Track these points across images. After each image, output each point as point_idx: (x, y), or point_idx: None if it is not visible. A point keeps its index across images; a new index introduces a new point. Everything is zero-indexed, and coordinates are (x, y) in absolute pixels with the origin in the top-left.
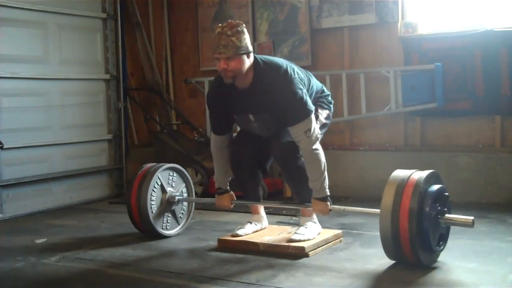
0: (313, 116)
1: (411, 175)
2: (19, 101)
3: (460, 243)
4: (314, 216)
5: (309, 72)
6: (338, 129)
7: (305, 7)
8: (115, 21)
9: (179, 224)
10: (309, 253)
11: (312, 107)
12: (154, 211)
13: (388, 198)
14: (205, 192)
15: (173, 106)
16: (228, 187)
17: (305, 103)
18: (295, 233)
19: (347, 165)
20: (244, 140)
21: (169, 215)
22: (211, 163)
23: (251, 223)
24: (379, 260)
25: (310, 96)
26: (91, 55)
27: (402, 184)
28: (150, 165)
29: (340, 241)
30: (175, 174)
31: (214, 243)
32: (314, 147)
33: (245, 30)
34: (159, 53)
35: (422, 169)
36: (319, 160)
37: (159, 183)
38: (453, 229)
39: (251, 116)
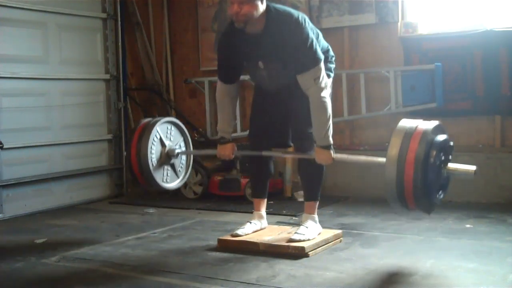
0: (322, 64)
1: (417, 125)
2: (19, 101)
3: (460, 243)
4: (315, 214)
5: (318, 29)
6: (338, 129)
7: (305, 7)
8: (115, 21)
9: (178, 177)
10: (309, 253)
11: (322, 56)
12: (154, 164)
13: (394, 148)
14: (205, 192)
15: (173, 106)
16: (231, 137)
17: (315, 51)
18: (295, 233)
19: (347, 165)
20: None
21: (169, 168)
22: (211, 163)
23: (250, 222)
24: (379, 260)
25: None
26: (91, 55)
27: (409, 134)
28: (148, 119)
29: (340, 241)
30: (173, 128)
31: (214, 243)
32: (322, 95)
33: None
34: (159, 53)
35: None
36: (325, 108)
37: (158, 137)
38: (453, 229)
39: (260, 63)
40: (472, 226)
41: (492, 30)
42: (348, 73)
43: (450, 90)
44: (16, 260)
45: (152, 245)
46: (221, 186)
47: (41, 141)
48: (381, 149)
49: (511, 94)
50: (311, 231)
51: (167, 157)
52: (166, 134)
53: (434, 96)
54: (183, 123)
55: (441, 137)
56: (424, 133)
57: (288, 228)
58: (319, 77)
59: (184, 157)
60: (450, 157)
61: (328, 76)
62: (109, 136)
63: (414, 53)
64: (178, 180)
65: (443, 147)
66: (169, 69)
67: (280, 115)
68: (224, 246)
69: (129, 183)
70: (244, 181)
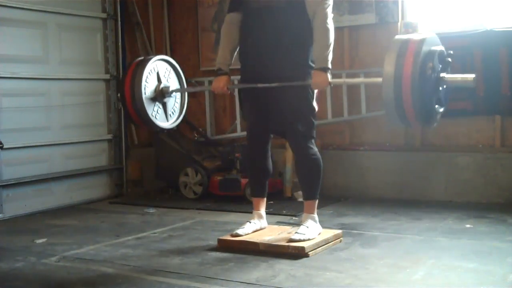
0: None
1: (412, 37)
2: (19, 101)
3: (460, 243)
4: (316, 215)
5: None
6: (338, 129)
7: None
8: (115, 21)
9: (167, 121)
10: (309, 253)
11: None
12: (146, 93)
13: (389, 65)
14: (205, 192)
15: None
16: (228, 70)
17: None
18: (295, 232)
19: (347, 165)
20: (255, 142)
21: (160, 106)
22: (211, 163)
23: (250, 222)
24: (379, 260)
25: None
26: (91, 55)
27: (404, 47)
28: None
29: (340, 241)
30: (171, 71)
31: (214, 243)
32: (327, 20)
33: None
34: (159, 53)
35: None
36: (328, 32)
37: (156, 70)
38: (453, 229)
39: None
40: (472, 226)
41: (492, 30)
42: (348, 73)
43: (450, 90)
44: (16, 260)
45: (152, 245)
46: (221, 186)
47: (41, 141)
48: (380, 149)
49: (511, 94)
50: (311, 231)
51: (161, 94)
52: (164, 73)
53: None
54: (183, 123)
55: (437, 48)
56: (419, 43)
57: (288, 228)
58: (327, 6)
59: (177, 103)
60: (448, 66)
61: None
62: (109, 136)
63: None
64: (167, 123)
65: (439, 58)
66: None
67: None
68: (224, 246)
69: (129, 183)
70: (244, 181)
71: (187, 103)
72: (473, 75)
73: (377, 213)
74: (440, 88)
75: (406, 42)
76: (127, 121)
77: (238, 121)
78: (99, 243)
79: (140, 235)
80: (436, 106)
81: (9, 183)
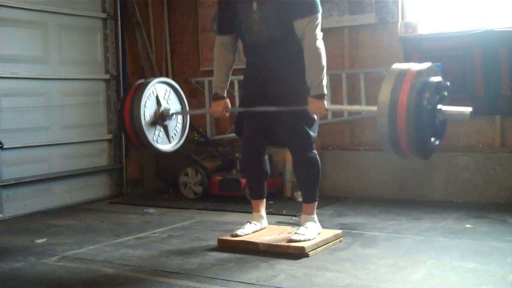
0: (320, 15)
1: (409, 68)
2: (19, 101)
3: (460, 243)
4: (315, 215)
5: None
6: (338, 129)
7: None
8: (115, 21)
9: (170, 143)
10: (309, 253)
11: (320, 7)
12: (146, 119)
13: (385, 93)
14: (205, 192)
15: None
16: (225, 94)
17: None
18: (295, 233)
19: (347, 165)
20: (252, 142)
21: (161, 130)
22: (211, 163)
23: (250, 223)
24: (379, 260)
25: None
26: (91, 55)
27: (400, 78)
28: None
29: (340, 241)
30: (171, 92)
31: (214, 243)
32: (317, 44)
33: None
34: (159, 53)
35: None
36: (320, 56)
37: (155, 94)
38: (453, 229)
39: (254, 5)
40: (472, 226)
41: (492, 30)
42: (348, 73)
43: (450, 90)
44: (16, 260)
45: (152, 245)
46: (221, 186)
47: (41, 141)
48: (380, 149)
49: (511, 94)
50: (311, 231)
51: (161, 117)
52: (163, 95)
53: None
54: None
55: (435, 79)
56: (416, 74)
57: (288, 228)
58: (316, 25)
59: (179, 124)
60: (444, 99)
61: None
62: (109, 136)
63: (414, 53)
64: (170, 145)
65: (437, 89)
66: (169, 69)
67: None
68: (224, 246)
69: (129, 183)
70: (244, 181)
71: (189, 121)
72: (470, 109)
73: (377, 213)
74: (437, 120)
75: (403, 72)
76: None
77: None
78: (99, 243)
79: (140, 235)
80: (432, 139)
81: (9, 183)
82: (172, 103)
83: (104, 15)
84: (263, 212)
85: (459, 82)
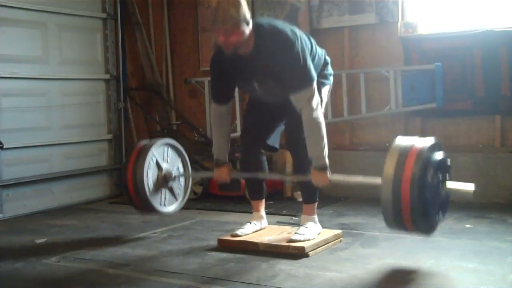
0: (315, 84)
1: (413, 144)
2: (19, 101)
3: (460, 243)
4: (315, 215)
5: (310, 37)
6: (338, 129)
7: (305, 7)
8: (115, 21)
9: (177, 200)
10: (309, 253)
11: (315, 75)
12: (150, 188)
13: (390, 167)
14: (205, 192)
15: (173, 106)
16: (227, 159)
17: (308, 71)
18: (295, 233)
19: (347, 165)
20: (250, 143)
21: (167, 192)
22: (211, 163)
23: (250, 223)
24: (379, 260)
25: (312, 61)
26: (91, 55)
27: (404, 154)
28: (143, 142)
29: (340, 241)
30: (169, 150)
31: (214, 243)
32: (315, 115)
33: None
34: (159, 53)
35: None
36: (319, 129)
37: (154, 160)
38: (453, 229)
39: (255, 84)
40: (472, 226)
41: (492, 30)
42: (348, 73)
43: (450, 90)
44: (16, 260)
45: (152, 245)
46: (221, 186)
47: (41, 141)
48: (380, 149)
49: (511, 94)
50: (311, 231)
51: (164, 181)
52: (162, 157)
53: (434, 96)
54: (183, 123)
55: (438, 155)
56: (420, 151)
57: (288, 228)
58: (312, 97)
59: (182, 179)
60: (448, 175)
61: (324, 84)
62: (109, 136)
63: (414, 53)
64: (177, 203)
65: (440, 166)
66: (169, 69)
67: (273, 118)
68: (224, 246)
69: None
70: (244, 181)
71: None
72: (473, 187)
73: (377, 213)
74: (440, 197)
75: (407, 147)
76: (127, 123)
77: (238, 121)
78: (99, 243)
79: (140, 235)
80: (436, 215)
81: (9, 183)
82: (172, 161)
83: (104, 15)
84: (263, 212)
85: (459, 82)
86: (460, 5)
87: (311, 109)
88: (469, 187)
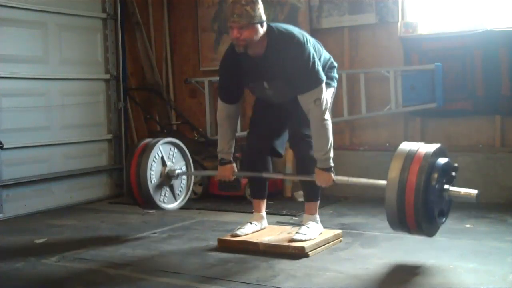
0: (323, 85)
1: (418, 148)
2: (19, 101)
3: (460, 243)
4: (317, 215)
5: (319, 42)
6: (338, 129)
7: (305, 7)
8: (115, 21)
9: (176, 200)
10: (309, 253)
11: (324, 77)
12: (152, 182)
13: (394, 171)
14: (205, 192)
15: (173, 106)
16: (231, 159)
17: (317, 72)
18: (296, 233)
19: (347, 165)
20: (256, 142)
21: (167, 189)
22: (211, 163)
23: (251, 223)
24: (379, 260)
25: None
26: (91, 55)
27: (409, 158)
28: (150, 139)
29: (340, 241)
30: (176, 150)
31: (214, 243)
32: (323, 116)
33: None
34: (159, 53)
35: None
36: (326, 130)
37: (160, 155)
38: (453, 229)
39: (265, 84)
40: (472, 226)
41: (492, 30)
42: (348, 73)
43: (450, 90)
44: (16, 260)
45: (152, 245)
46: (221, 186)
47: (41, 141)
48: (380, 149)
49: (511, 94)
50: (312, 231)
51: (166, 178)
52: (168, 155)
53: (434, 96)
54: (183, 123)
55: (443, 160)
56: (425, 156)
57: (288, 228)
58: (320, 98)
59: (184, 180)
60: (452, 180)
61: (329, 85)
62: (109, 136)
63: (414, 53)
64: (176, 203)
65: (445, 170)
66: (169, 69)
67: (279, 121)
68: (224, 246)
69: None
70: (244, 181)
71: (192, 162)
72: (476, 191)
73: (377, 213)
74: (443, 200)
75: (413, 151)
76: (127, 122)
77: (238, 120)
78: (99, 243)
79: (140, 235)
80: (438, 218)
81: (9, 183)
82: (176, 161)
83: (104, 15)
84: (263, 212)
85: (459, 82)
86: (460, 5)
87: (319, 110)
88: (472, 191)
